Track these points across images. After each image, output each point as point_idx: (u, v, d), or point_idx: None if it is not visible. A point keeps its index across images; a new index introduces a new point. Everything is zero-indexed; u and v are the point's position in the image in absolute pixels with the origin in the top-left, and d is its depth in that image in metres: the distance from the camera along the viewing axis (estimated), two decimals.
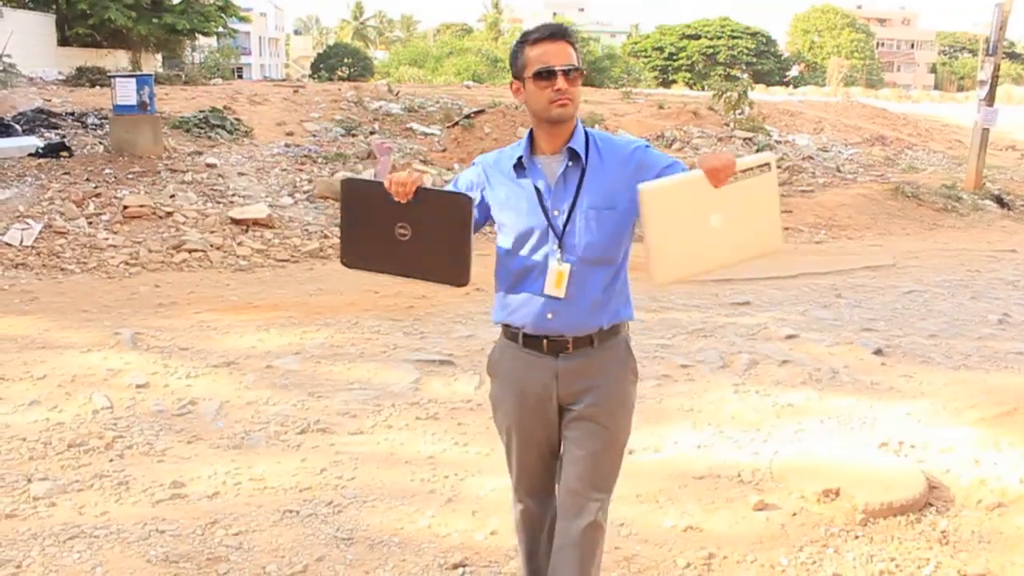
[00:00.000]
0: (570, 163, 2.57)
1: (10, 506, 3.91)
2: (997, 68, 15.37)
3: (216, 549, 3.61)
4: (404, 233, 2.45)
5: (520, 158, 2.61)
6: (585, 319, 2.59)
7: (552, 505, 2.88)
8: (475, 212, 2.53)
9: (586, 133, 2.62)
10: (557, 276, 2.55)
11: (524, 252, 2.60)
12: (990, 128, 15.50)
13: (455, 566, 3.53)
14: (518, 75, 2.57)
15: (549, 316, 2.57)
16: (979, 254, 11.08)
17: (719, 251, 2.41)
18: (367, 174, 11.84)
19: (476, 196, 2.62)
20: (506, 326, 2.73)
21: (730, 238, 2.38)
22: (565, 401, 2.67)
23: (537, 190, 2.58)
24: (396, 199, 2.43)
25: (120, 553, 3.55)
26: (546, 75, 2.49)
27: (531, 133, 2.64)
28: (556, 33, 2.54)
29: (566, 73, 2.49)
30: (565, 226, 2.56)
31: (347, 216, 2.56)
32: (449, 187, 2.77)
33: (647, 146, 2.65)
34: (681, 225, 2.35)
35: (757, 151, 17.44)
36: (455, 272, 2.48)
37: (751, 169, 2.36)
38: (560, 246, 2.56)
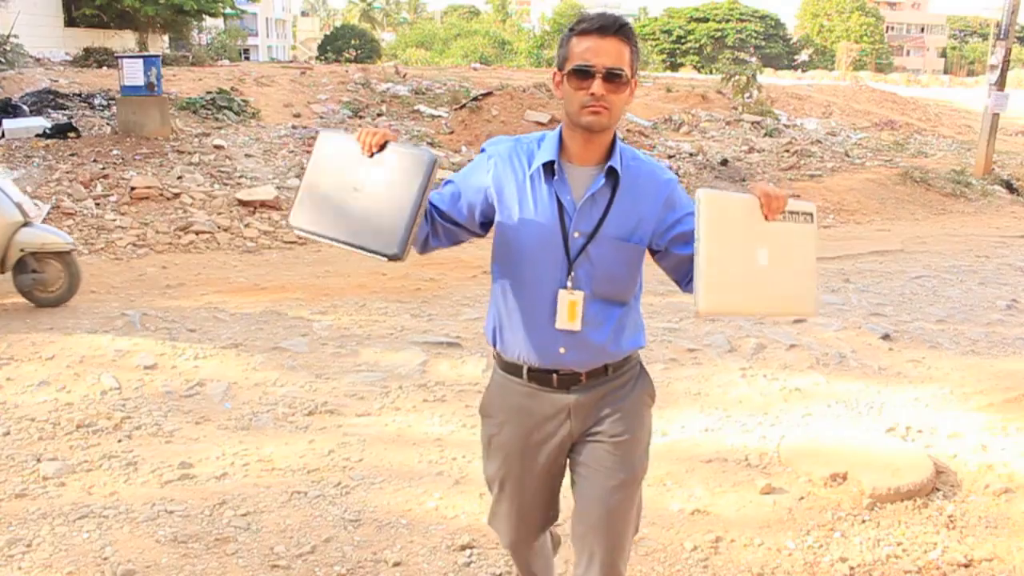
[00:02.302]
0: (604, 182, 2.24)
1: (20, 486, 3.93)
2: (1008, 52, 15.28)
3: (224, 529, 3.62)
4: (357, 189, 2.20)
5: (552, 163, 2.25)
6: (602, 355, 2.32)
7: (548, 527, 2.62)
8: (461, 206, 2.32)
9: (620, 146, 2.30)
10: (569, 307, 2.25)
11: (531, 273, 2.29)
12: (1000, 113, 15.41)
13: (463, 547, 3.54)
14: (560, 66, 2.23)
15: (562, 351, 2.29)
16: (988, 240, 11.04)
17: (760, 293, 2.14)
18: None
19: (481, 196, 2.32)
20: (503, 359, 2.41)
21: (771, 282, 2.13)
22: (577, 436, 2.39)
23: (560, 204, 2.24)
24: (363, 151, 2.19)
25: (129, 533, 3.56)
26: (583, 74, 2.15)
27: (561, 133, 2.29)
28: (607, 27, 2.16)
29: (608, 76, 2.14)
30: (581, 251, 2.25)
31: (313, 172, 2.30)
32: (447, 176, 2.47)
33: (676, 180, 2.38)
34: (734, 247, 2.09)
35: (766, 135, 17.37)
36: (391, 238, 2.16)
37: (796, 213, 2.16)
38: (571, 273, 2.26)
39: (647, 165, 2.32)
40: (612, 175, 2.24)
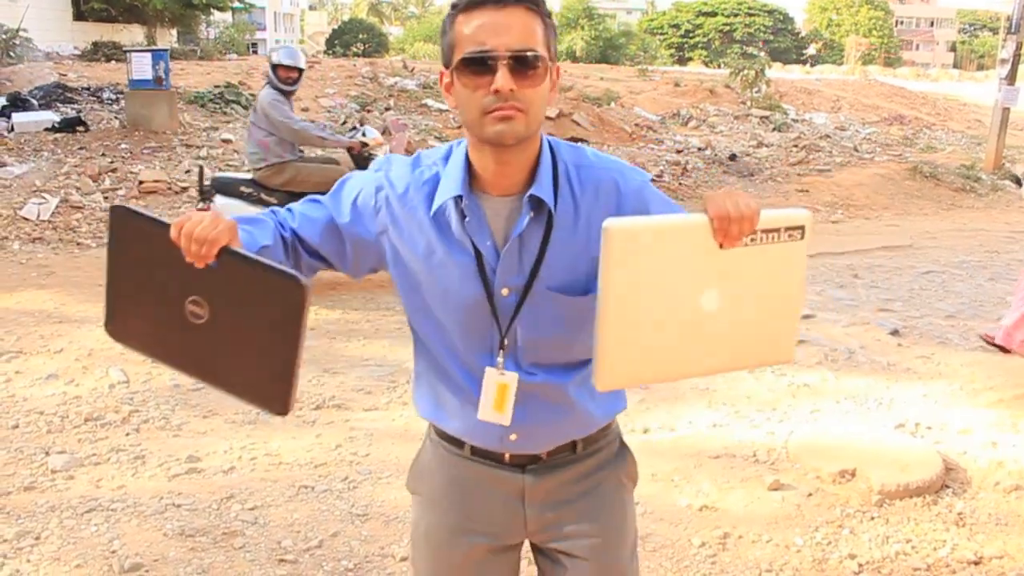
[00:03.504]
0: (532, 215, 1.59)
1: (29, 479, 3.94)
2: (1019, 46, 15.19)
3: (232, 523, 3.62)
4: (198, 314, 1.52)
5: (458, 198, 1.60)
6: (564, 434, 1.74)
7: None
8: (342, 249, 1.70)
9: (554, 158, 1.63)
10: (498, 392, 1.64)
11: (454, 346, 1.69)
12: (1011, 108, 15.33)
13: None
14: (447, 62, 1.57)
15: (512, 438, 1.70)
16: (998, 235, 11.00)
17: (701, 350, 1.53)
18: (382, 151, 11.78)
19: (370, 241, 1.69)
20: (440, 429, 1.81)
21: (722, 333, 1.52)
22: (537, 533, 1.79)
23: (478, 254, 1.61)
24: (188, 259, 1.45)
25: (137, 526, 3.57)
26: (479, 64, 1.49)
27: (467, 155, 1.62)
28: None
29: (517, 63, 1.48)
30: (515, 314, 1.63)
31: (116, 261, 1.57)
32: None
33: (648, 181, 1.69)
34: (659, 299, 1.46)
35: (774, 130, 17.31)
36: (270, 393, 1.54)
37: (774, 231, 1.49)
38: (503, 344, 1.65)
39: (602, 171, 1.65)
40: (539, 207, 1.59)
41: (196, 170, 7.10)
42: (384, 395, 5.06)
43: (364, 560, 3.41)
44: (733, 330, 1.53)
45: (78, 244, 8.47)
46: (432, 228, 1.63)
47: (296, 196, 6.69)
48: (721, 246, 1.45)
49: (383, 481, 4.04)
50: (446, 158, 1.65)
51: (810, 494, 3.99)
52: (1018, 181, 14.73)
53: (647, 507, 3.85)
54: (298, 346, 1.48)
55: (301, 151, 7.02)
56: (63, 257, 8.09)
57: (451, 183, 1.60)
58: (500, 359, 1.64)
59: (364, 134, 7.06)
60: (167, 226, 1.47)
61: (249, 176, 6.95)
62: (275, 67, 6.80)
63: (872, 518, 3.80)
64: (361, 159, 7.06)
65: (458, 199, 1.59)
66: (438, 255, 1.63)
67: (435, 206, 1.61)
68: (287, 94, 6.85)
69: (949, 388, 5.38)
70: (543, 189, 1.58)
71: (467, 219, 1.59)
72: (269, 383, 1.53)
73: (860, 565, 3.46)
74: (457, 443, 1.78)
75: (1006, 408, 5.00)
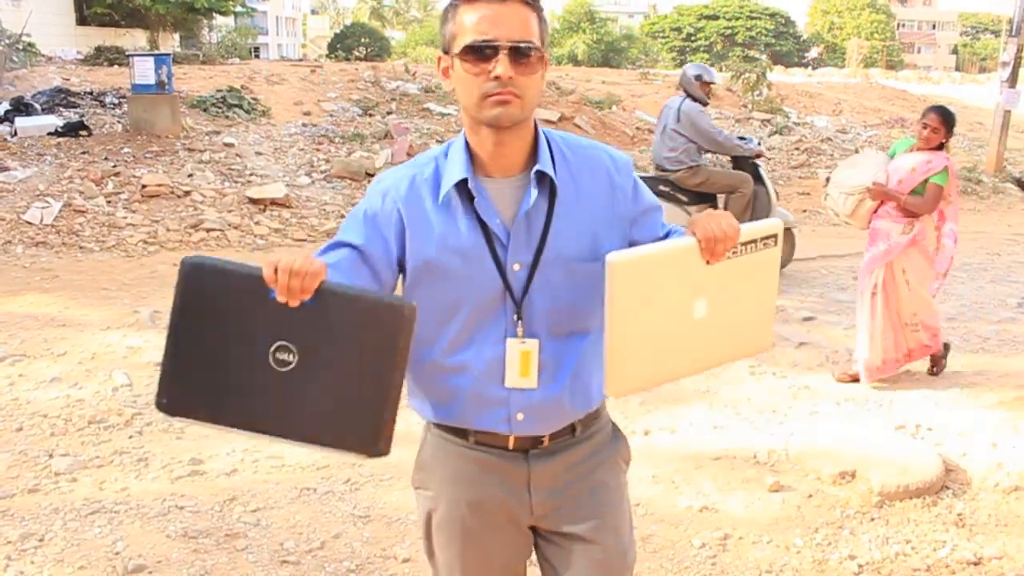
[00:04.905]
0: (537, 190, 1.73)
1: (32, 481, 3.96)
2: (1020, 49, 15.19)
3: (234, 525, 3.64)
4: (285, 360, 1.48)
5: (464, 182, 1.72)
6: (568, 410, 1.82)
7: None
8: (380, 274, 1.75)
9: (547, 140, 1.79)
10: (522, 359, 1.75)
11: (467, 329, 1.76)
12: (1012, 110, 15.33)
13: None
14: (447, 48, 1.71)
15: (520, 417, 1.78)
16: (999, 237, 11.00)
17: (695, 352, 1.75)
18: (384, 155, 11.81)
19: (392, 247, 1.76)
20: (443, 423, 1.88)
21: (712, 334, 1.75)
22: (542, 519, 1.88)
23: (487, 232, 1.73)
24: (281, 299, 1.47)
25: (140, 528, 3.59)
26: (481, 52, 1.63)
27: (467, 140, 1.76)
28: None
29: (515, 52, 1.63)
30: (527, 287, 1.74)
31: (184, 322, 1.50)
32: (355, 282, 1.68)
33: (630, 161, 1.89)
34: (657, 315, 1.67)
35: (775, 133, 17.33)
36: (365, 432, 1.53)
37: (752, 242, 1.73)
38: (519, 315, 1.75)
39: (590, 150, 1.83)
40: (544, 181, 1.74)
41: None
42: None
43: (366, 561, 3.43)
44: (721, 330, 1.77)
45: (81, 248, 8.50)
46: (441, 215, 1.74)
47: (705, 197, 7.70)
48: (708, 263, 1.69)
49: (385, 483, 4.06)
50: (445, 152, 1.79)
51: (810, 495, 4.01)
52: (1020, 184, 14.72)
53: (648, 508, 3.86)
54: (397, 377, 1.50)
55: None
56: (66, 261, 8.12)
57: (455, 169, 1.74)
58: (520, 329, 1.75)
59: (760, 143, 7.85)
60: (254, 269, 1.46)
61: (663, 176, 7.56)
62: (701, 83, 7.55)
63: (872, 519, 3.81)
64: (755, 166, 7.69)
65: (464, 182, 1.73)
66: (450, 240, 1.73)
67: (443, 192, 1.74)
68: (704, 105, 7.58)
69: (949, 390, 5.39)
70: (547, 165, 1.73)
71: (476, 199, 1.72)
72: (364, 421, 1.52)
73: (860, 566, 3.48)
74: (461, 433, 1.85)
75: (1006, 410, 5.01)
